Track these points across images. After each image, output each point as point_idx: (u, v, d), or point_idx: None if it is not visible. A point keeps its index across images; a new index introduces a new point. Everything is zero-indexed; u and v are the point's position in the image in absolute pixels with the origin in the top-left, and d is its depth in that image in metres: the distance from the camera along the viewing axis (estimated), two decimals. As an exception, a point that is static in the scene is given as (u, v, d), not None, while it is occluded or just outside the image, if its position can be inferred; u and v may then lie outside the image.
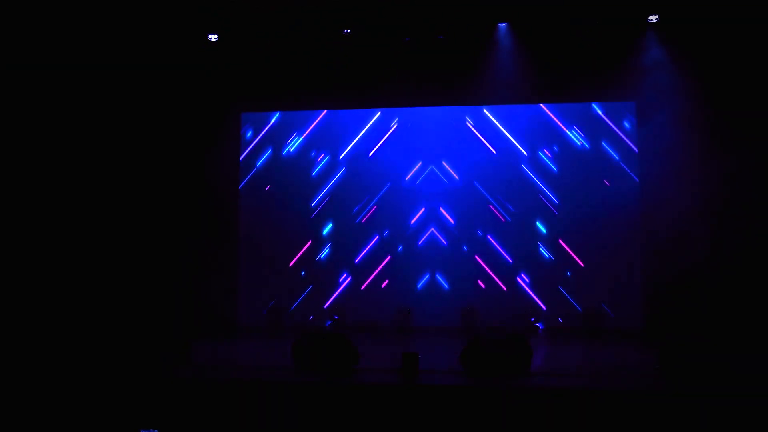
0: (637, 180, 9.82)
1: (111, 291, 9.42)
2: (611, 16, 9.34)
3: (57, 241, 8.96)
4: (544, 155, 10.11)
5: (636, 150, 9.85)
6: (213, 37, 9.82)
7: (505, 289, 10.03)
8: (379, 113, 10.50)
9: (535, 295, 9.99)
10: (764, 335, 8.13)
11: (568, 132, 10.07)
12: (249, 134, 10.69)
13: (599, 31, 9.43)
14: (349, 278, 10.35)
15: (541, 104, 10.14)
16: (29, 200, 8.68)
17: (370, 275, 10.30)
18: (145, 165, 9.95)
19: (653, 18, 9.36)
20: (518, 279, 10.04)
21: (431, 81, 9.96)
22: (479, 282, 10.08)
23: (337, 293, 10.35)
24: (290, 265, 10.43)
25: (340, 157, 10.51)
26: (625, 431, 5.04)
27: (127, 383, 5.63)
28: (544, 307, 9.93)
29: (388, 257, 10.30)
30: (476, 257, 10.13)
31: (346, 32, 9.85)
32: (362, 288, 10.28)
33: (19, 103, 8.65)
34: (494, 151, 10.21)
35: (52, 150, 9.00)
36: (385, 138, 10.45)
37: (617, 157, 9.93)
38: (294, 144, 10.57)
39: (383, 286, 10.24)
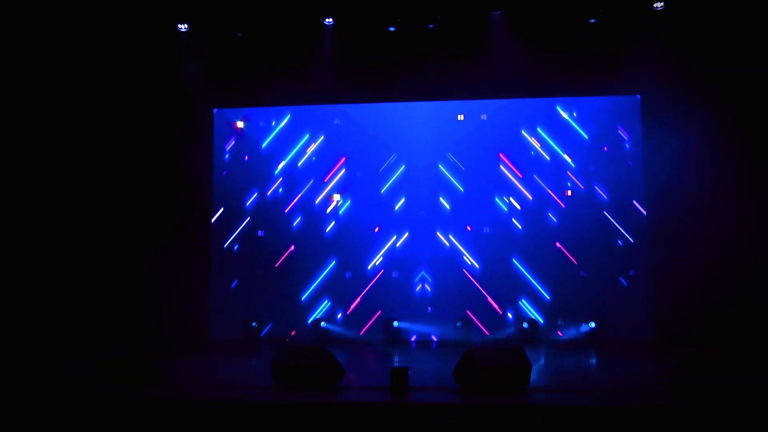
0: (643, 180, 9.51)
1: (70, 301, 8.99)
2: (615, 5, 9.11)
3: (14, 246, 8.62)
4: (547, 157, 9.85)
5: (641, 148, 9.53)
6: (183, 27, 9.39)
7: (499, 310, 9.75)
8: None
9: (537, 305, 9.68)
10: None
11: (578, 128, 9.81)
12: (229, 137, 10.30)
13: (603, 21, 9.19)
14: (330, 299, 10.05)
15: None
16: None
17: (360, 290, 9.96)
18: (110, 166, 9.45)
19: (659, 5, 9.07)
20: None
21: (425, 74, 9.53)
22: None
23: (312, 288, 10.00)
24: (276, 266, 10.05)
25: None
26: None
27: (89, 401, 5.31)
28: (542, 320, 9.61)
29: (382, 271, 9.97)
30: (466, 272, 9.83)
31: (328, 22, 9.43)
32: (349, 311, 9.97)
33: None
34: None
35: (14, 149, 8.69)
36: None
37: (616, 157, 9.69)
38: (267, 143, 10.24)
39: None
